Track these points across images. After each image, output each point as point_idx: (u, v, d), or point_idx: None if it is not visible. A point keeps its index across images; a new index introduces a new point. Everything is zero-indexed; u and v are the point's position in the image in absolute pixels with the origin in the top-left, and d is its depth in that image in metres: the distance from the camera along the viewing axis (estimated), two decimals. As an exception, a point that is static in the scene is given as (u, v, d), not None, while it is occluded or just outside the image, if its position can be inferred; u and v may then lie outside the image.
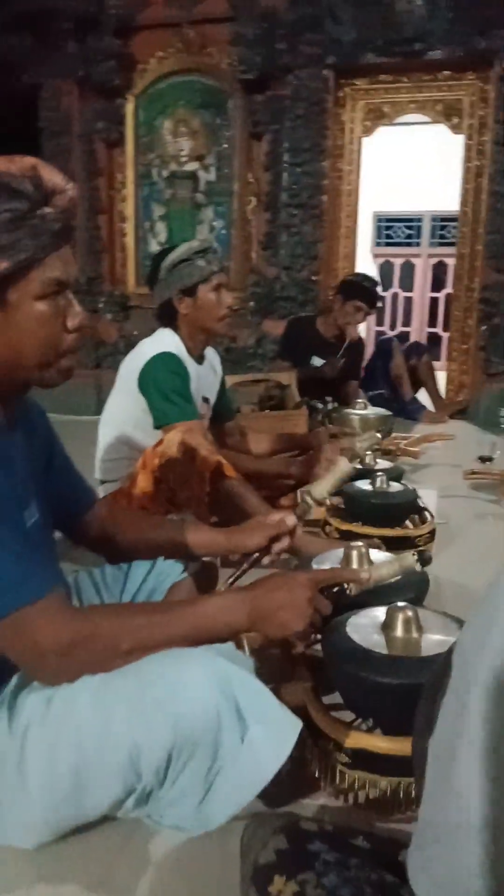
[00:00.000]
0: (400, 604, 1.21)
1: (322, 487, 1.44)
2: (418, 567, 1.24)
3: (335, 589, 1.21)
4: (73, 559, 1.81)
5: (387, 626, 1.20)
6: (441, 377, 5.36)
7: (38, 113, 5.44)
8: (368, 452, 2.34)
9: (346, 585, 1.22)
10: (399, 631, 1.18)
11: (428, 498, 2.89)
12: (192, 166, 5.31)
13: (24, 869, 1.03)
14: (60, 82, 5.32)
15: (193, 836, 1.03)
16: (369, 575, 1.21)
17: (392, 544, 2.05)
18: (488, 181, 4.86)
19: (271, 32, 4.85)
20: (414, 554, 1.26)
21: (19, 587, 0.92)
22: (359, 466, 2.22)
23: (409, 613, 1.19)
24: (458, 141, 5.13)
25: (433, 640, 1.18)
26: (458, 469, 3.32)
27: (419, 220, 9.77)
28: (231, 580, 1.39)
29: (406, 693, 1.10)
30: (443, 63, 4.83)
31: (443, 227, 9.52)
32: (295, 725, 0.97)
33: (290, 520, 1.40)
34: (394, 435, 3.66)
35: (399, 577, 1.41)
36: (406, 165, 8.38)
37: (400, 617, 1.19)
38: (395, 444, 3.47)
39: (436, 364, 5.49)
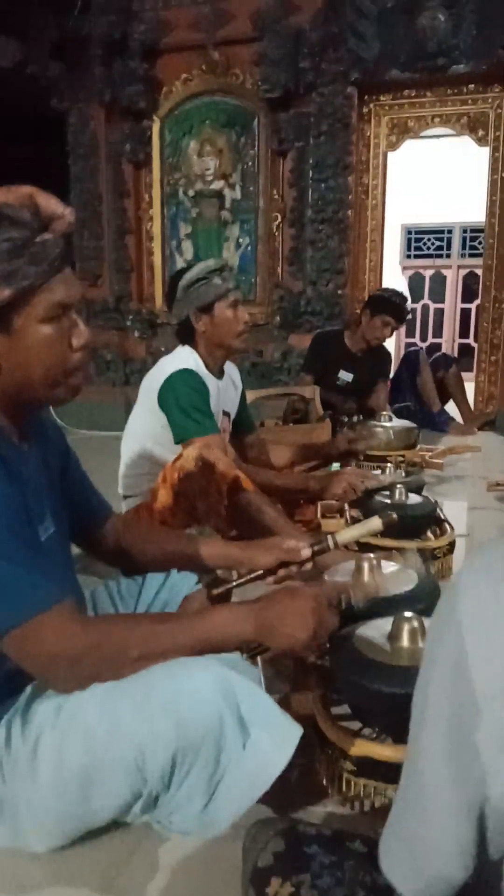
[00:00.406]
0: (406, 614, 1.22)
1: (348, 535, 1.47)
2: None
3: (342, 602, 1.23)
4: (95, 573, 1.86)
5: (392, 637, 1.21)
6: (470, 388, 5.33)
7: (66, 137, 5.58)
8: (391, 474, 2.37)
9: (353, 597, 1.24)
10: (405, 641, 1.20)
11: (453, 510, 2.89)
12: (217, 185, 5.39)
13: (35, 871, 1.07)
14: (88, 106, 5.46)
15: (200, 840, 1.06)
16: (375, 586, 1.23)
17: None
18: (513, 193, 4.84)
19: (295, 51, 4.91)
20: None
21: (31, 596, 0.96)
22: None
23: (415, 624, 1.20)
24: (485, 152, 5.13)
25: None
26: (484, 481, 3.31)
27: (449, 231, 9.76)
28: (226, 586, 1.41)
29: (410, 702, 1.11)
30: (467, 77, 4.85)
31: (473, 238, 9.49)
32: (296, 731, 0.99)
33: (306, 552, 1.42)
34: (419, 447, 3.65)
35: (409, 589, 1.44)
36: (435, 177, 8.39)
37: (406, 627, 1.20)
38: (420, 457, 3.46)
39: (467, 375, 5.47)
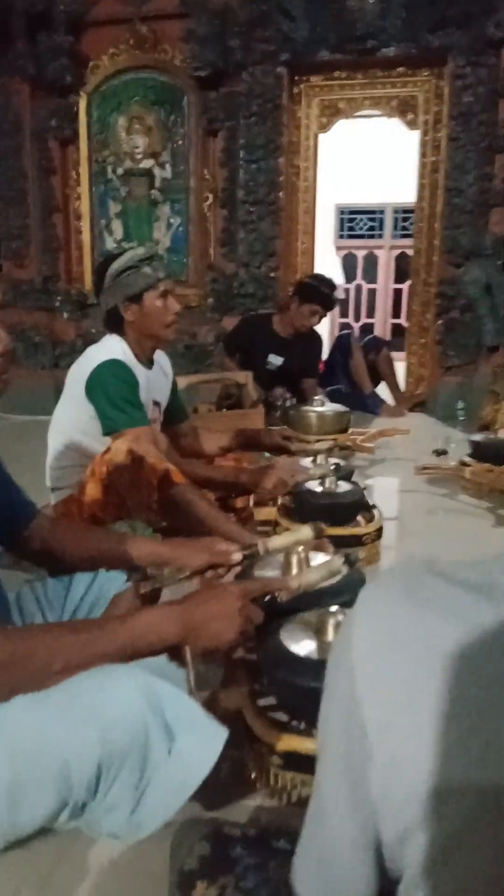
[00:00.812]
0: (331, 608, 1.24)
1: (277, 543, 1.47)
2: (345, 569, 1.27)
3: (267, 597, 1.24)
4: (22, 568, 1.83)
5: (318, 631, 1.23)
6: (401, 368, 5.42)
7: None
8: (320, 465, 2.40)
9: (276, 594, 1.25)
10: (330, 636, 1.22)
11: (382, 494, 2.95)
12: (147, 163, 5.31)
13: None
14: (11, 80, 5.26)
15: (128, 843, 1.06)
16: (298, 583, 1.24)
17: (340, 543, 2.10)
18: (444, 177, 4.90)
19: (224, 29, 4.84)
20: (341, 556, 1.29)
21: None
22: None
23: (340, 618, 1.22)
24: (416, 134, 5.18)
25: (362, 644, 1.21)
26: (413, 464, 3.38)
27: (382, 211, 9.84)
28: (153, 584, 1.41)
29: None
30: (397, 60, 4.87)
31: (405, 219, 9.59)
32: (221, 735, 1.00)
33: (236, 556, 1.43)
34: (351, 430, 3.70)
35: (334, 580, 1.46)
36: (367, 157, 8.42)
37: (331, 622, 1.22)
38: (352, 440, 3.51)
39: (399, 354, 5.56)
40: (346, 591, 1.45)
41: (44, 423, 2.48)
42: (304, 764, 1.16)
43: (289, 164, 5.24)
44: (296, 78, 5.12)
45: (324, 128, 5.30)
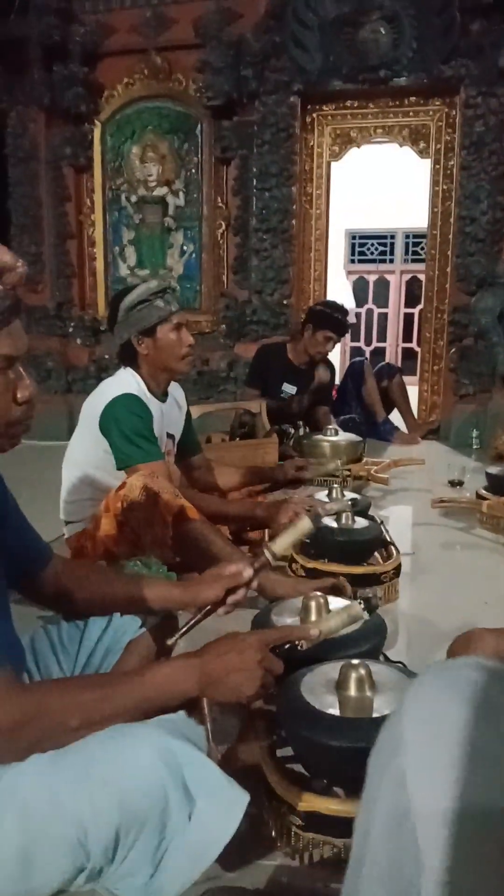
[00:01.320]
0: (353, 661, 1.21)
1: (281, 543, 1.44)
2: (365, 615, 1.24)
3: (286, 646, 1.21)
4: (37, 609, 1.80)
5: (340, 686, 1.20)
6: (413, 393, 5.40)
7: (4, 140, 5.44)
8: (335, 498, 2.37)
9: (297, 642, 1.22)
10: (352, 690, 1.18)
11: (397, 528, 2.92)
12: (160, 191, 5.35)
13: None
14: (27, 109, 5.34)
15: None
16: (318, 630, 1.21)
17: (358, 581, 2.07)
18: (455, 205, 4.92)
19: (238, 59, 4.89)
20: (360, 602, 1.26)
21: None
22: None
23: (362, 672, 1.19)
24: (426, 163, 5.20)
25: (386, 699, 1.18)
26: (429, 495, 3.34)
27: (392, 236, 9.89)
28: (181, 632, 1.37)
29: (358, 755, 1.10)
30: (408, 90, 4.90)
31: (416, 244, 9.63)
32: (242, 799, 0.96)
33: (248, 572, 1.39)
34: (365, 460, 3.68)
35: (354, 627, 1.42)
36: (378, 182, 8.48)
37: (353, 676, 1.19)
38: (366, 471, 3.49)
39: (411, 379, 5.54)
40: (365, 640, 1.42)
41: (56, 448, 2.47)
42: (327, 825, 1.12)
43: (301, 192, 5.27)
44: (308, 107, 5.16)
45: (336, 156, 5.33)
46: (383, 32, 4.57)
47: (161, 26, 5.11)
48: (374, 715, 1.15)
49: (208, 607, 1.39)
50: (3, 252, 1.01)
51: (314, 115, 5.21)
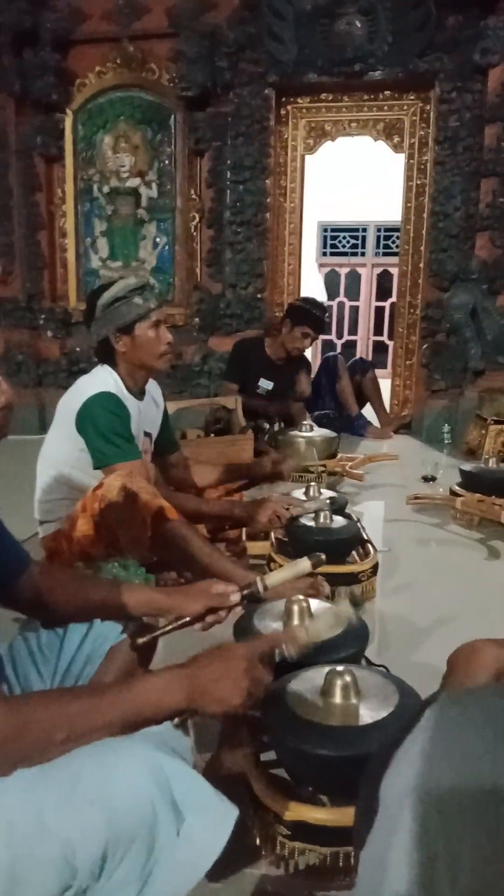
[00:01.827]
0: (338, 668, 1.20)
1: (276, 578, 1.43)
2: (354, 616, 1.23)
3: (276, 655, 1.19)
4: (15, 617, 1.77)
5: (325, 693, 1.19)
6: (386, 386, 5.42)
7: (-27, 128, 5.33)
8: (313, 496, 2.37)
9: (285, 651, 1.21)
10: (337, 697, 1.18)
11: (372, 524, 2.92)
12: (133, 182, 5.28)
13: None
14: (-4, 97, 5.22)
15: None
16: (306, 633, 1.20)
17: (337, 580, 2.07)
18: (429, 200, 4.93)
19: (212, 49, 4.84)
20: (348, 603, 1.25)
21: None
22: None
23: (347, 679, 1.18)
24: (401, 157, 5.20)
25: (371, 706, 1.18)
26: (403, 490, 3.36)
27: (364, 229, 9.89)
28: (153, 635, 1.35)
29: (344, 764, 1.10)
30: (383, 84, 4.89)
31: (388, 237, 9.66)
32: (231, 814, 0.95)
33: (235, 597, 1.37)
34: (340, 455, 3.69)
35: (340, 629, 1.42)
36: (351, 175, 8.46)
37: (338, 683, 1.18)
38: (341, 467, 3.49)
39: (382, 372, 5.55)
40: (348, 644, 1.41)
41: (27, 442, 2.43)
42: (313, 833, 1.12)
43: (276, 185, 5.24)
44: (283, 99, 5.13)
45: (310, 149, 5.31)
46: (359, 25, 4.55)
47: (134, 14, 5.03)
48: (360, 723, 1.15)
49: (186, 619, 1.37)
50: None
51: (289, 107, 5.18)
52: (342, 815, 1.09)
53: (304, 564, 1.44)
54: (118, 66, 5.15)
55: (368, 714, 1.16)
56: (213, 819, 0.94)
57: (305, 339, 4.08)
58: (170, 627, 1.39)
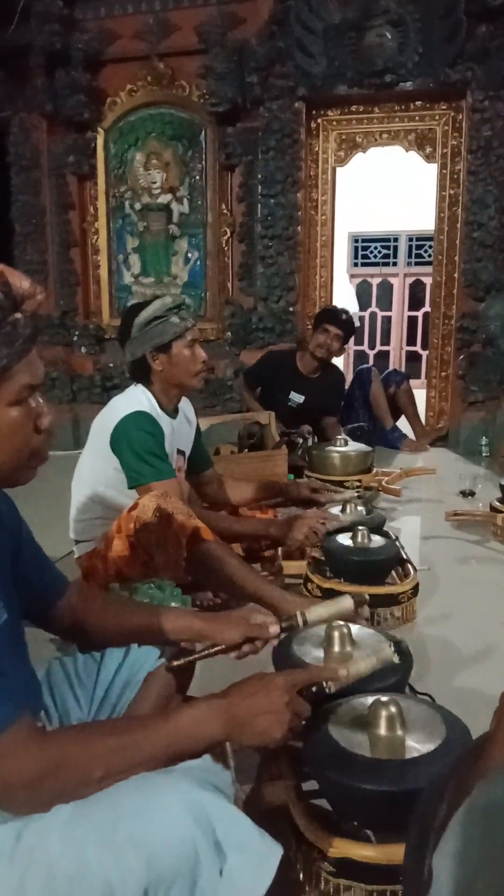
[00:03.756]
0: (383, 698, 1.17)
1: (316, 614, 1.39)
2: (396, 659, 1.19)
3: (314, 688, 1.16)
4: (53, 640, 1.76)
5: (369, 724, 1.15)
6: (421, 399, 5.35)
7: (6, 148, 5.41)
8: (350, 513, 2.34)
9: (325, 683, 1.18)
10: (382, 729, 1.14)
11: (411, 540, 2.87)
12: (164, 198, 5.31)
13: None
14: (29, 116, 5.30)
15: None
16: (347, 672, 1.16)
17: (376, 602, 2.03)
18: (462, 210, 4.88)
19: (241, 65, 4.85)
20: (390, 645, 1.21)
21: None
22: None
23: (393, 710, 1.14)
24: (431, 166, 5.15)
25: (418, 738, 1.14)
26: (440, 505, 3.30)
27: (395, 239, 9.82)
28: (188, 659, 1.33)
29: (391, 799, 1.06)
30: (414, 94, 4.86)
31: (419, 246, 9.58)
32: (275, 853, 0.92)
33: (274, 629, 1.34)
34: (375, 470, 3.63)
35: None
36: (381, 185, 8.42)
37: (383, 714, 1.14)
38: (377, 482, 3.44)
39: (415, 382, 5.49)
40: (392, 672, 1.37)
41: (62, 458, 2.42)
42: (360, 871, 1.08)
43: (307, 198, 5.23)
44: (313, 112, 5.12)
45: (341, 161, 5.28)
46: (389, 37, 4.53)
47: (164, 32, 5.08)
48: (407, 756, 1.11)
49: (223, 647, 1.35)
50: (23, 279, 0.98)
51: (319, 120, 5.17)
52: (389, 853, 1.05)
53: (348, 603, 1.40)
54: (148, 84, 5.20)
55: (415, 747, 1.12)
56: (256, 859, 0.91)
57: (326, 335, 4.07)
58: (206, 653, 1.37)
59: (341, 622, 1.44)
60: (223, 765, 1.09)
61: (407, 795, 1.02)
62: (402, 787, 1.05)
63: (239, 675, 1.14)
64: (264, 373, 4.30)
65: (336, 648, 1.41)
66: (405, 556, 2.26)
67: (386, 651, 1.19)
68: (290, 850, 1.18)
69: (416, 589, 2.15)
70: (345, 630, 1.42)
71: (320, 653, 1.43)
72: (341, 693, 1.25)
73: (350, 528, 2.24)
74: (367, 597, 1.37)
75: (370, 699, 1.19)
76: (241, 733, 1.04)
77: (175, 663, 1.34)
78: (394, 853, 1.04)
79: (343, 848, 1.08)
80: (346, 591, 2.02)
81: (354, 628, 1.47)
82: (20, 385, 0.97)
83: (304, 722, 1.12)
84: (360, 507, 2.47)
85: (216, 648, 1.35)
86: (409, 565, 2.23)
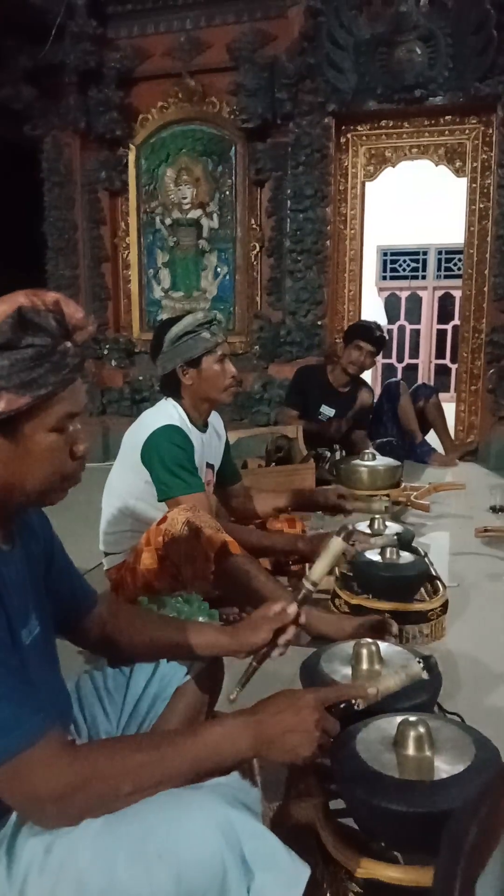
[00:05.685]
0: (411, 718, 1.16)
1: (317, 570, 1.39)
2: (425, 675, 1.19)
3: (342, 705, 1.16)
4: (82, 652, 1.77)
5: (398, 744, 1.15)
6: (450, 413, 5.31)
7: (40, 164, 5.51)
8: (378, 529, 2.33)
9: (353, 700, 1.17)
10: (411, 749, 1.13)
11: (440, 557, 2.85)
12: (195, 214, 5.36)
13: None
14: (62, 134, 5.41)
15: None
16: (376, 690, 1.16)
17: (404, 619, 2.01)
18: (492, 224, 4.86)
19: (272, 81, 4.89)
20: (419, 661, 1.21)
21: (11, 733, 0.89)
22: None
23: (421, 730, 1.14)
24: (462, 181, 5.14)
25: (447, 759, 1.12)
26: (470, 521, 3.27)
27: (424, 252, 9.81)
28: (242, 684, 1.33)
29: (420, 821, 1.05)
30: (444, 109, 4.86)
31: (448, 260, 9.55)
32: (303, 873, 0.92)
33: (292, 608, 1.35)
34: (404, 485, 3.61)
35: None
36: (410, 199, 8.42)
37: (411, 734, 1.13)
38: (406, 496, 3.42)
39: (444, 396, 5.45)
40: (421, 690, 1.36)
41: (91, 471, 2.44)
42: (387, 893, 1.07)
43: (336, 213, 5.24)
44: (343, 127, 5.14)
45: (371, 176, 5.29)
46: (419, 52, 4.54)
47: (195, 50, 5.14)
48: (436, 777, 1.10)
49: (263, 651, 1.35)
50: (77, 309, 1.01)
51: (349, 135, 5.19)
52: (418, 875, 1.04)
53: (337, 542, 1.38)
54: (179, 101, 5.26)
55: (444, 768, 1.11)
56: (284, 878, 0.91)
57: (358, 351, 4.07)
58: (252, 669, 1.37)
59: (369, 640, 1.44)
60: (251, 782, 1.09)
61: (435, 817, 1.01)
62: (430, 808, 1.04)
63: (267, 690, 1.14)
64: (302, 389, 4.30)
65: (364, 666, 1.40)
66: (434, 573, 2.25)
67: (415, 667, 1.18)
68: (317, 869, 1.17)
69: (445, 606, 2.13)
70: (373, 647, 1.42)
71: (348, 670, 1.42)
72: (370, 710, 1.24)
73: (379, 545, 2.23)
74: (351, 529, 1.38)
75: (398, 718, 1.19)
76: (269, 750, 1.04)
77: (233, 696, 1.32)
78: (422, 875, 1.03)
79: (371, 868, 1.08)
80: (374, 607, 2.02)
81: (383, 646, 1.46)
82: (62, 412, 1.00)
83: (332, 740, 1.12)
84: (388, 523, 2.46)
85: (258, 656, 1.36)
86: (439, 582, 2.21)
